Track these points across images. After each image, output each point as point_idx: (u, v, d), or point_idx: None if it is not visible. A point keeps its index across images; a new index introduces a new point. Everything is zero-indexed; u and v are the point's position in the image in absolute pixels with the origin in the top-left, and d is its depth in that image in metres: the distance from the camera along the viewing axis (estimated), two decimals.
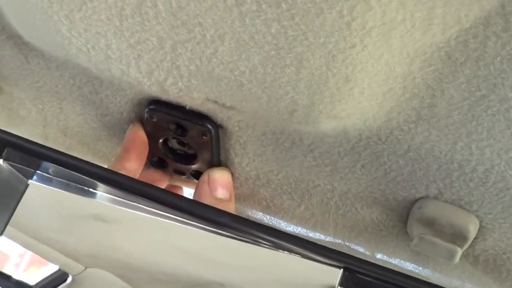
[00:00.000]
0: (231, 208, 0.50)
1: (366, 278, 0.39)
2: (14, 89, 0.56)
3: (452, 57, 0.38)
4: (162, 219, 0.45)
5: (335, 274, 0.39)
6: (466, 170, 0.43)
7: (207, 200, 0.48)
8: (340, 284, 0.39)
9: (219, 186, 0.50)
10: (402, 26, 0.35)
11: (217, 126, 0.48)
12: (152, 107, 0.48)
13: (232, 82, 0.41)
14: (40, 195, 0.52)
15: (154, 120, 0.48)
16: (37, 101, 0.55)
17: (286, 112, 0.41)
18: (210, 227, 0.42)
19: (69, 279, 0.85)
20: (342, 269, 0.39)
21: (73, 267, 0.81)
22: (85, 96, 0.52)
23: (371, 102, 0.41)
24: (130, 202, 0.45)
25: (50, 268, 0.90)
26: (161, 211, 0.44)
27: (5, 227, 0.49)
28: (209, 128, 0.47)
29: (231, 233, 0.42)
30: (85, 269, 0.81)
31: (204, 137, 0.48)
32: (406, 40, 0.36)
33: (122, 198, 0.46)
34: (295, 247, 0.40)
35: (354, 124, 0.43)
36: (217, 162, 0.51)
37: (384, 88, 0.40)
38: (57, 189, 0.48)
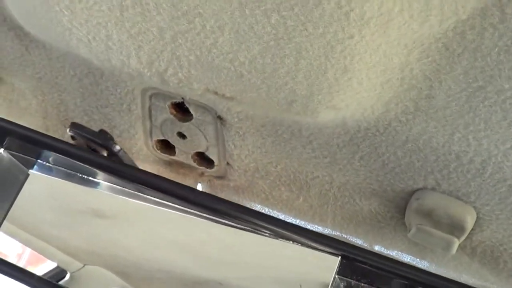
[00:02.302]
0: None
1: (364, 266, 0.40)
2: (14, 80, 0.56)
3: (450, 48, 0.38)
4: (162, 209, 0.45)
5: (333, 262, 0.39)
6: (464, 161, 0.44)
7: None
8: (338, 272, 0.39)
9: None
10: (400, 17, 0.35)
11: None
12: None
13: (231, 73, 0.41)
14: (40, 187, 0.52)
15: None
16: (38, 92, 0.56)
17: (285, 102, 0.42)
18: (210, 215, 0.43)
19: (67, 276, 0.85)
20: (340, 257, 0.39)
21: (72, 264, 0.81)
22: (86, 87, 0.52)
23: (369, 93, 0.41)
24: (130, 191, 0.46)
25: (48, 265, 0.90)
26: (161, 199, 0.45)
27: (5, 216, 0.49)
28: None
29: (230, 221, 0.42)
30: (84, 266, 0.81)
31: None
32: (404, 30, 0.37)
33: (122, 187, 0.46)
34: (293, 235, 0.41)
35: (353, 115, 0.43)
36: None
37: (382, 78, 0.40)
38: (57, 179, 0.49)
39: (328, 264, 0.39)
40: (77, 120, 0.56)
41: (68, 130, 0.49)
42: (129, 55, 0.43)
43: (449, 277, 0.40)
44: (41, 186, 0.52)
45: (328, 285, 0.40)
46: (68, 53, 0.49)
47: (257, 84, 0.41)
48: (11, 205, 0.49)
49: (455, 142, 0.43)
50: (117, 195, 0.47)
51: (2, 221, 0.49)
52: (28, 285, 0.44)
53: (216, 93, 0.44)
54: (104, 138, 0.49)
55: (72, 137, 0.50)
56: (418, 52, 0.39)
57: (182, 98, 0.47)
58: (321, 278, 0.42)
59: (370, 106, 0.42)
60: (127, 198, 0.47)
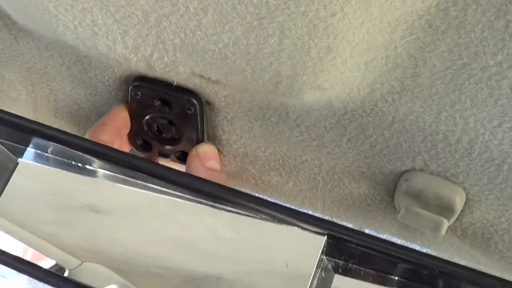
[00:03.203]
0: (224, 178, 0.51)
1: (351, 245, 0.39)
2: (4, 71, 0.56)
3: (433, 26, 0.38)
4: (158, 202, 0.45)
5: (320, 242, 0.39)
6: (451, 141, 0.44)
7: (200, 171, 0.49)
8: (326, 252, 0.39)
9: (208, 158, 0.50)
10: None
11: (202, 102, 0.48)
12: (136, 83, 0.48)
13: (216, 55, 0.41)
14: (33, 183, 0.52)
15: (138, 97, 0.49)
16: (27, 83, 0.56)
17: (270, 84, 0.42)
18: (208, 201, 0.43)
19: (66, 274, 0.85)
20: (326, 236, 0.39)
21: (70, 261, 0.81)
22: (74, 76, 0.52)
23: (354, 73, 0.41)
24: (126, 178, 0.46)
25: (47, 263, 0.90)
26: (157, 185, 0.45)
27: None
28: (193, 103, 0.47)
29: (225, 206, 0.42)
30: (82, 264, 0.81)
31: (189, 112, 0.48)
32: (386, 8, 0.37)
33: (117, 174, 0.46)
34: (278, 214, 0.40)
35: (338, 96, 0.43)
36: (202, 140, 0.51)
37: (366, 57, 0.40)
38: (50, 170, 0.48)
39: (314, 244, 0.39)
40: (67, 110, 0.57)
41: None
42: (115, 40, 0.43)
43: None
44: (34, 181, 0.52)
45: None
46: (56, 41, 0.49)
47: (242, 66, 0.41)
48: (0, 193, 0.49)
49: (441, 122, 0.43)
50: (112, 183, 0.47)
51: None
52: (36, 279, 0.44)
53: (202, 76, 0.44)
54: None
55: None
56: (401, 30, 0.39)
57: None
58: (310, 259, 0.41)
59: (355, 87, 0.42)
60: (122, 186, 0.47)
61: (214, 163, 0.51)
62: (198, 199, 0.43)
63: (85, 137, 0.52)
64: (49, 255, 0.83)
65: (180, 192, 0.44)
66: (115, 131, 0.52)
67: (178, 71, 0.44)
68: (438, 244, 0.53)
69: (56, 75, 0.53)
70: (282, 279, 0.45)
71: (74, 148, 0.45)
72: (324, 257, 0.41)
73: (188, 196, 0.44)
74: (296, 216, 0.39)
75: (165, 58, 0.43)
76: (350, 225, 0.55)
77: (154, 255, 0.53)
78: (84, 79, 0.52)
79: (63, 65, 0.52)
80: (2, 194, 0.49)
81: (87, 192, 0.51)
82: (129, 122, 0.52)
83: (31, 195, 0.54)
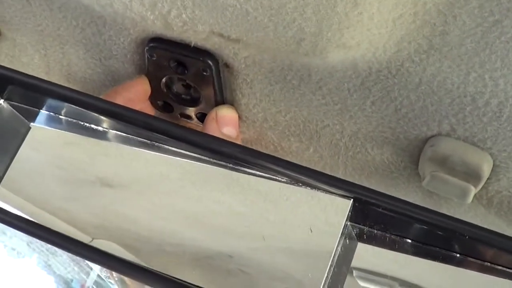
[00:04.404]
0: None
1: (378, 209, 0.38)
2: (16, 35, 0.55)
3: None
4: (171, 168, 0.44)
5: (345, 206, 0.38)
6: (479, 103, 0.42)
7: None
8: (350, 217, 0.38)
9: (226, 123, 0.49)
10: None
11: (219, 63, 0.46)
12: (151, 44, 0.47)
13: (237, 11, 0.39)
14: (44, 146, 0.51)
15: (154, 58, 0.47)
16: (40, 46, 0.54)
17: (293, 41, 0.40)
18: (217, 160, 0.41)
19: None
20: (352, 200, 0.38)
21: (80, 238, 0.80)
22: (88, 38, 0.51)
23: (381, 30, 0.39)
24: (140, 139, 0.44)
25: None
26: (173, 147, 0.43)
27: (6, 170, 0.48)
28: (209, 64, 0.46)
29: (240, 165, 0.41)
30: (92, 240, 0.80)
31: (205, 73, 0.47)
32: None
33: (131, 135, 0.45)
34: (300, 176, 0.39)
35: (364, 55, 0.41)
36: (221, 101, 0.49)
37: (394, 14, 0.38)
38: (61, 131, 0.47)
39: (339, 209, 0.38)
40: (80, 74, 0.55)
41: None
42: None
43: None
44: (45, 153, 0.51)
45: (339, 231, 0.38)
46: (69, 1, 0.47)
47: (264, 22, 0.39)
48: (12, 159, 0.48)
49: (470, 83, 0.41)
50: (127, 152, 0.46)
51: (3, 175, 0.47)
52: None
53: (221, 35, 0.42)
54: None
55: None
56: None
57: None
58: (334, 226, 0.40)
59: (382, 45, 0.40)
60: (135, 157, 0.45)
61: (231, 130, 0.49)
62: (215, 162, 0.42)
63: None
64: (58, 231, 0.83)
65: (197, 154, 0.42)
66: (127, 103, 0.50)
67: (197, 29, 0.42)
68: (463, 213, 0.51)
69: (70, 37, 0.52)
70: (301, 253, 0.44)
71: (89, 108, 0.43)
72: (349, 223, 0.39)
73: (205, 159, 0.42)
74: (319, 178, 0.38)
75: (183, 16, 0.41)
76: None
77: (166, 232, 0.51)
78: (98, 41, 0.50)
79: (76, 27, 0.50)
80: (11, 166, 0.48)
81: (99, 165, 0.49)
82: (144, 96, 0.51)
83: (41, 168, 0.53)
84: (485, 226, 0.52)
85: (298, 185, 0.39)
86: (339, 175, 0.52)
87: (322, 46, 0.40)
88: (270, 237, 0.47)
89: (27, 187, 0.54)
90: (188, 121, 0.53)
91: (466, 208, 0.51)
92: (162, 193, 0.50)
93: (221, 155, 0.39)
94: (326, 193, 0.38)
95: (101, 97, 0.51)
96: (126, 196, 0.50)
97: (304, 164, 0.53)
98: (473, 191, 0.46)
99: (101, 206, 0.52)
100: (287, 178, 0.39)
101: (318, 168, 0.53)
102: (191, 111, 0.52)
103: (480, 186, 0.47)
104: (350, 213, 0.38)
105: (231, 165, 0.41)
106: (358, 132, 0.48)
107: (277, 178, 0.40)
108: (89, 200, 0.52)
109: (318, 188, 0.38)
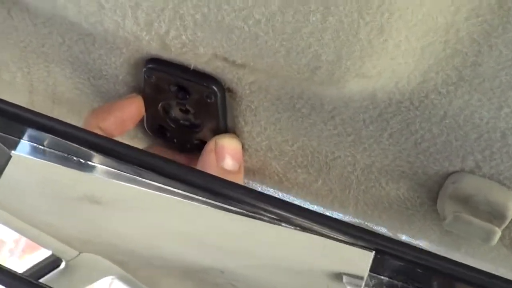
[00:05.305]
0: (239, 181, 0.45)
1: (401, 262, 0.34)
2: None
3: (504, 6, 0.32)
4: (162, 195, 0.40)
5: (366, 259, 0.33)
6: (510, 140, 0.38)
7: (213, 171, 0.43)
8: (372, 269, 0.34)
9: (227, 155, 0.44)
10: None
11: (224, 88, 0.42)
12: (150, 65, 0.42)
13: (245, 34, 0.35)
14: (28, 171, 0.48)
15: (153, 81, 0.43)
16: (23, 64, 0.49)
17: (307, 69, 0.36)
18: (216, 201, 0.37)
19: (63, 265, 0.81)
20: (373, 252, 0.34)
21: (67, 252, 0.77)
22: (76, 56, 0.46)
23: (407, 59, 0.35)
24: (129, 175, 0.40)
25: (43, 254, 0.86)
26: (163, 184, 0.39)
27: None
28: (214, 90, 0.41)
29: (240, 208, 0.37)
30: (79, 254, 0.77)
31: (209, 100, 0.42)
32: None
33: (120, 171, 0.41)
34: (315, 225, 0.35)
35: (384, 86, 0.37)
36: (224, 130, 0.45)
37: (423, 41, 0.34)
38: (43, 161, 0.43)
39: (357, 260, 0.34)
40: (67, 95, 0.50)
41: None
42: (125, 15, 0.37)
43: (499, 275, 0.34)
44: (31, 174, 0.47)
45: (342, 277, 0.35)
46: (55, 16, 0.43)
47: (275, 47, 0.35)
48: None
49: (501, 118, 0.37)
50: (114, 180, 0.42)
51: None
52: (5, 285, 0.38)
53: (225, 59, 0.38)
54: None
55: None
56: (466, 11, 0.33)
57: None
58: (354, 279, 0.36)
59: (406, 75, 0.36)
60: (125, 184, 0.42)
61: (231, 163, 0.45)
62: (211, 201, 0.38)
63: (85, 119, 0.46)
64: (45, 245, 0.79)
65: (191, 192, 0.38)
66: (119, 123, 0.46)
67: (198, 52, 0.38)
68: (484, 253, 0.47)
69: (55, 55, 0.47)
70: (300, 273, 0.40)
71: (74, 142, 0.39)
72: (367, 273, 0.35)
73: (200, 198, 0.38)
74: (338, 228, 0.33)
75: (183, 37, 0.37)
76: (383, 230, 0.49)
77: (156, 247, 0.49)
78: (87, 60, 0.46)
79: (63, 44, 0.45)
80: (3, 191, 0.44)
81: (87, 183, 0.46)
82: (137, 118, 0.46)
83: (27, 186, 0.50)
84: (507, 268, 0.48)
85: (311, 233, 0.35)
86: (349, 210, 0.48)
87: (340, 75, 0.35)
88: (268, 257, 0.43)
89: (12, 202, 0.51)
90: (184, 147, 0.49)
91: (487, 248, 0.47)
92: (152, 211, 0.47)
93: (223, 198, 0.35)
94: (341, 242, 0.34)
95: (90, 112, 0.47)
96: (115, 213, 0.47)
97: (311, 197, 0.49)
98: (498, 233, 0.42)
99: (89, 221, 0.50)
100: (299, 228, 0.35)
101: (326, 202, 0.48)
102: (188, 137, 0.47)
103: (503, 227, 0.43)
104: (372, 265, 0.34)
105: (225, 206, 0.37)
106: (372, 165, 0.44)
107: (287, 225, 0.36)
108: (77, 216, 0.49)
109: (336, 239, 0.34)
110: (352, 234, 0.33)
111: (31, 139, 0.42)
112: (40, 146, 0.41)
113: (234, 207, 0.37)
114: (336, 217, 0.45)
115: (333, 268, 0.36)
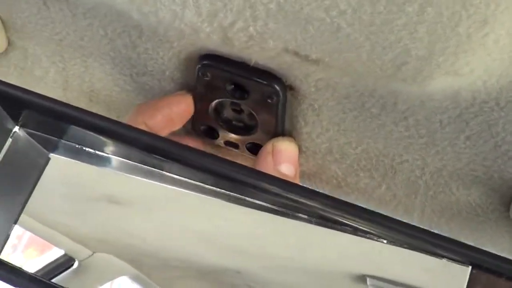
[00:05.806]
0: None
1: (499, 278, 0.30)
2: (28, 44, 0.46)
3: None
4: (183, 191, 0.37)
5: (462, 275, 0.30)
6: None
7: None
8: (469, 286, 0.30)
9: (284, 160, 0.41)
10: None
11: (286, 86, 0.38)
12: (205, 62, 0.38)
13: (325, 26, 0.31)
14: (53, 174, 0.45)
15: (207, 78, 0.39)
16: (57, 58, 0.46)
17: (392, 65, 0.32)
18: (243, 195, 0.33)
19: (76, 264, 0.79)
20: (470, 267, 0.30)
21: (80, 252, 0.75)
22: (118, 50, 0.42)
23: (503, 55, 0.31)
24: (152, 169, 0.37)
25: (55, 253, 0.84)
26: (188, 178, 0.36)
27: (21, 211, 0.41)
28: (276, 90, 0.38)
29: (277, 205, 0.33)
30: (93, 254, 0.75)
31: (269, 101, 0.39)
32: None
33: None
34: (402, 237, 0.31)
35: (472, 84, 0.34)
36: (281, 132, 0.42)
37: None
38: (82, 163, 0.40)
39: (458, 279, 0.30)
40: (105, 92, 0.47)
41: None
42: (185, 4, 0.33)
43: None
44: (54, 173, 0.44)
45: None
46: (99, 5, 0.39)
47: (359, 40, 0.31)
48: (28, 198, 0.40)
49: None
50: (137, 177, 0.39)
51: (18, 216, 0.40)
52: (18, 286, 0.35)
53: (296, 53, 0.34)
54: None
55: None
56: None
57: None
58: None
59: (498, 73, 0.33)
60: (147, 180, 0.39)
61: (290, 167, 0.41)
62: (235, 195, 0.34)
63: (130, 114, 0.43)
64: (57, 244, 0.76)
65: (216, 186, 0.35)
66: (166, 121, 0.42)
67: (265, 46, 0.34)
68: None
69: (94, 49, 0.43)
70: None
71: (121, 140, 0.35)
72: None
73: (223, 192, 0.34)
74: (434, 242, 0.30)
75: (251, 29, 0.33)
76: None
77: (172, 247, 0.46)
78: (130, 55, 0.42)
79: (104, 37, 0.42)
80: None
81: (108, 183, 0.44)
82: (186, 117, 0.43)
83: (49, 190, 0.46)
84: None
85: (399, 247, 0.31)
86: (414, 217, 0.44)
87: (428, 72, 0.32)
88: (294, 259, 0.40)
89: (31, 202, 0.48)
90: (234, 150, 0.45)
91: None
92: (171, 212, 0.44)
93: (270, 194, 0.31)
94: (439, 257, 0.30)
95: (137, 106, 0.43)
96: (133, 213, 0.45)
97: (373, 203, 0.46)
98: None
99: (105, 221, 0.48)
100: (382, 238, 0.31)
101: (389, 208, 0.45)
102: (240, 140, 0.44)
103: None
104: (469, 282, 0.30)
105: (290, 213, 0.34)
106: (443, 169, 0.41)
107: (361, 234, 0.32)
108: (93, 216, 0.47)
109: (428, 252, 0.30)
110: (449, 248, 0.30)
111: (72, 138, 0.38)
112: (79, 146, 0.37)
113: (270, 204, 0.33)
114: None
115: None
